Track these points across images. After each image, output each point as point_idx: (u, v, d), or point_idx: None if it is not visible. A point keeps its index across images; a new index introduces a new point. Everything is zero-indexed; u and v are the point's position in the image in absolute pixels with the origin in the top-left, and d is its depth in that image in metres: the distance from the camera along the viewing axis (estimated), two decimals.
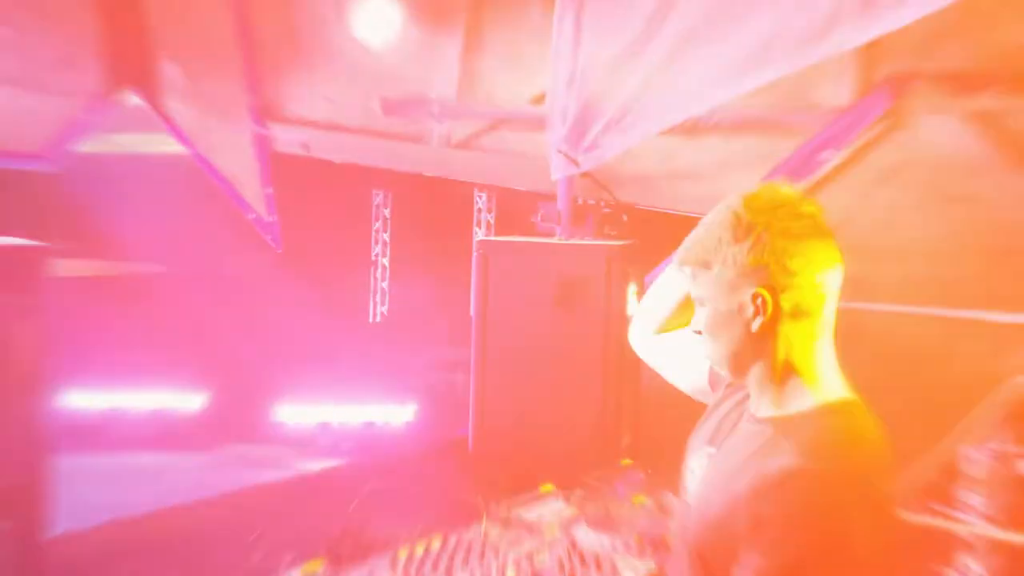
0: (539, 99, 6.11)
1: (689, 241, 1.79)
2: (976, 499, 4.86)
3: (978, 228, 4.85)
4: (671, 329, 2.17)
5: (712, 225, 1.73)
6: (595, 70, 5.34)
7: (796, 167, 5.16)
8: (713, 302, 1.73)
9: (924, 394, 4.85)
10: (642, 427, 5.24)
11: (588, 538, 3.77)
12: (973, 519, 4.87)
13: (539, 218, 5.85)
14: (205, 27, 6.13)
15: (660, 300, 2.20)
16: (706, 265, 1.72)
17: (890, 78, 5.01)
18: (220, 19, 6.06)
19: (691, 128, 5.60)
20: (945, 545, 4.93)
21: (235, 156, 6.41)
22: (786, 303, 1.65)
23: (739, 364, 1.74)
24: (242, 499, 4.49)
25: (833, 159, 5.15)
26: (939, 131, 4.92)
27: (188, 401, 5.47)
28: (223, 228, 7.31)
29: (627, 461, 4.80)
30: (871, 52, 4.98)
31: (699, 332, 1.79)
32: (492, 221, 10.47)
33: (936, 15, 3.87)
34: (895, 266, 4.90)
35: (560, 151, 5.44)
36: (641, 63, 5.08)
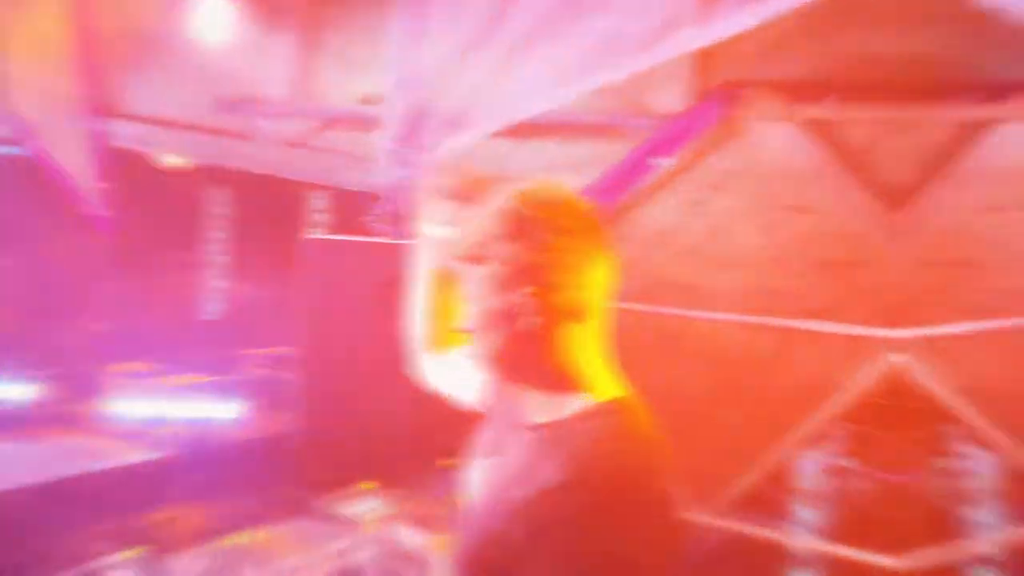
0: (371, 99, 6.09)
1: (462, 235, 1.73)
2: (806, 512, 4.92)
3: (810, 238, 4.88)
4: (442, 344, 2.14)
5: (487, 220, 1.67)
6: (430, 71, 5.32)
7: (627, 171, 5.11)
8: (484, 300, 1.65)
9: (756, 402, 4.89)
10: (462, 427, 5.23)
11: (403, 535, 3.85)
12: (802, 531, 4.92)
13: (371, 218, 5.85)
14: (44, 23, 6.14)
15: (420, 317, 2.16)
16: (478, 261, 1.65)
17: (724, 85, 5.02)
18: (58, 15, 6.06)
19: (525, 130, 5.52)
20: (775, 557, 4.95)
21: (72, 151, 6.42)
22: (561, 302, 1.59)
23: (508, 365, 1.67)
24: (68, 488, 4.49)
25: (666, 164, 5.10)
26: (773, 139, 4.93)
27: (20, 392, 5.38)
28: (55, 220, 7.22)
29: (446, 461, 4.84)
30: (706, 59, 5.00)
31: (468, 330, 1.70)
32: (328, 221, 10.41)
33: (772, 24, 3.90)
34: (727, 274, 4.85)
35: (391, 151, 5.45)
36: (477, 65, 5.07)
